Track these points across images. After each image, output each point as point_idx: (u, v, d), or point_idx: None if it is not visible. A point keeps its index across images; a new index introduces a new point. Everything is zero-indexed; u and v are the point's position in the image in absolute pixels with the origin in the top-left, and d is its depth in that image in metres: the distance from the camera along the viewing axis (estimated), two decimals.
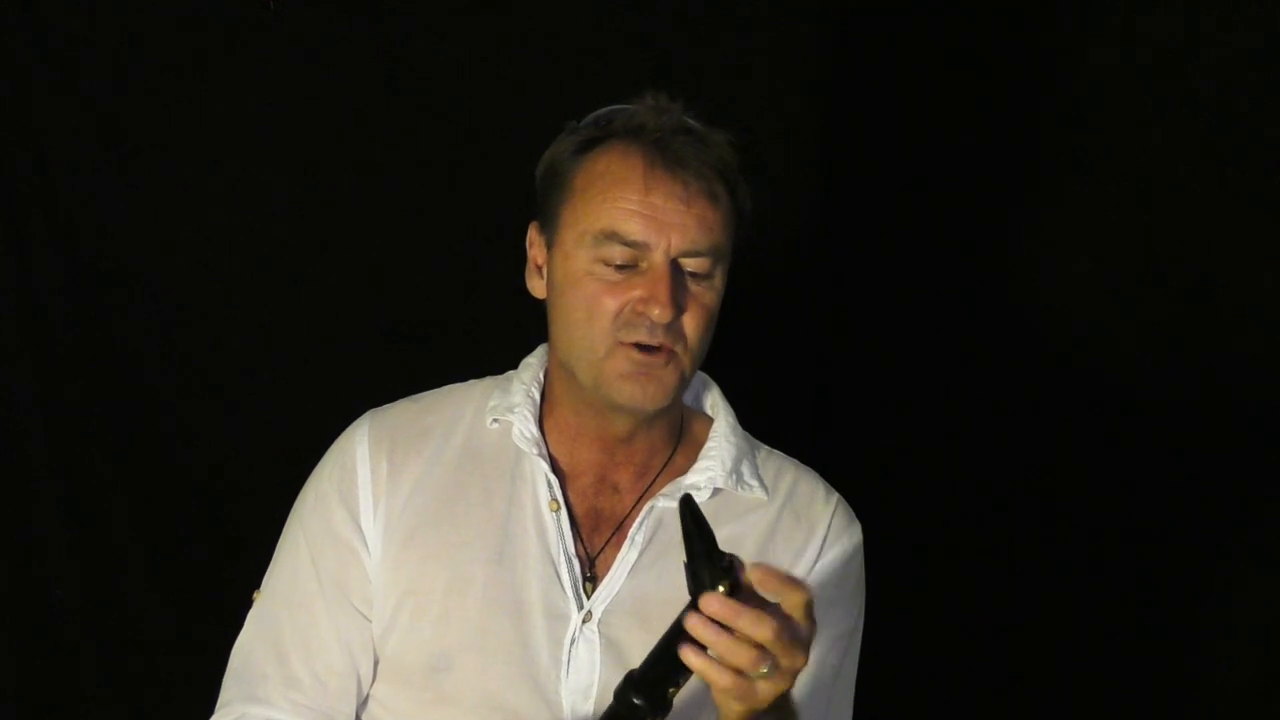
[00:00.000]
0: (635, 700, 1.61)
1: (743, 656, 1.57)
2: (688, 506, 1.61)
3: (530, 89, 2.52)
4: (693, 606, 1.59)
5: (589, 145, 1.89)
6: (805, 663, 1.61)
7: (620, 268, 1.85)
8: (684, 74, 2.51)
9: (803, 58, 2.59)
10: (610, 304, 1.85)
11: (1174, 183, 2.59)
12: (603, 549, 1.92)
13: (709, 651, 1.57)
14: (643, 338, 1.84)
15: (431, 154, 2.56)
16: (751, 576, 1.58)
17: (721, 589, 1.57)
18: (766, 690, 1.60)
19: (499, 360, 2.07)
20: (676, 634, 1.60)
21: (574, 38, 2.56)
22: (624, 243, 1.84)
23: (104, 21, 2.51)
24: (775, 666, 1.58)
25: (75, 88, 2.52)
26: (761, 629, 1.57)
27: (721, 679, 1.57)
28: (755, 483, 1.97)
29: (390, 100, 2.55)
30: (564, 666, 1.87)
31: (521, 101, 2.52)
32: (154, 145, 2.54)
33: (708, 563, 1.59)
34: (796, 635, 1.60)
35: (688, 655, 1.58)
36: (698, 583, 1.59)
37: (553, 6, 2.55)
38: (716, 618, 1.57)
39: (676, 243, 1.84)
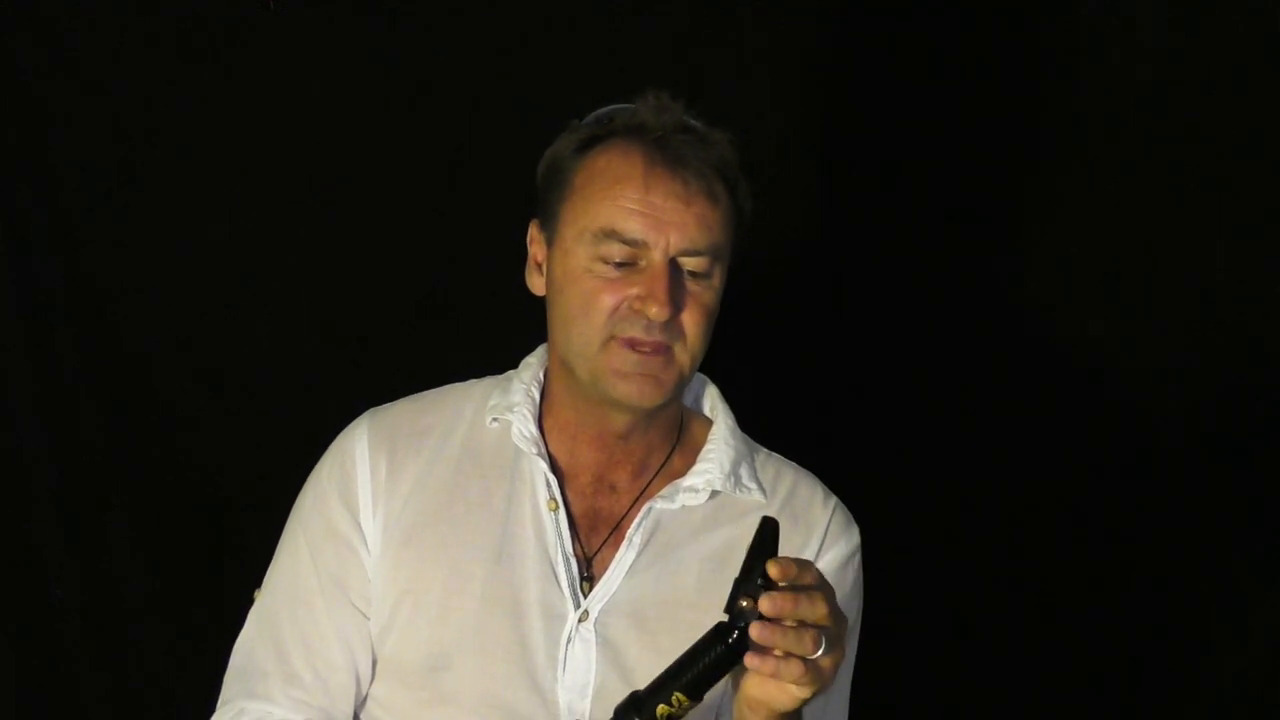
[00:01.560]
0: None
1: (807, 642, 1.58)
2: (769, 529, 1.63)
3: (531, 89, 2.52)
4: (724, 625, 1.61)
5: (590, 143, 1.90)
6: (848, 622, 1.64)
7: (619, 265, 1.85)
8: (684, 74, 2.51)
9: (803, 58, 2.59)
10: (607, 300, 1.85)
11: (1175, 183, 2.59)
12: (600, 549, 1.92)
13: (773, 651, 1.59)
14: (638, 334, 1.85)
15: (432, 154, 2.56)
16: (770, 572, 1.59)
17: (745, 604, 1.59)
18: (829, 665, 1.61)
19: (499, 360, 2.07)
20: (693, 658, 1.62)
21: (575, 37, 2.55)
22: (623, 240, 1.84)
23: (105, 22, 2.51)
24: (831, 638, 1.60)
25: (76, 89, 2.52)
26: (817, 608, 1.59)
27: (794, 670, 1.58)
28: (754, 485, 1.97)
29: (391, 100, 2.55)
30: (560, 665, 1.87)
31: (522, 101, 2.52)
32: (155, 146, 2.54)
33: (746, 582, 1.61)
34: (836, 601, 1.62)
35: (754, 661, 1.59)
36: (733, 600, 1.61)
37: (554, 6, 2.55)
38: (777, 615, 1.57)
39: (675, 241, 1.84)
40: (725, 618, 1.62)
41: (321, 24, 2.53)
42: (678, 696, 1.61)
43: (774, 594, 1.58)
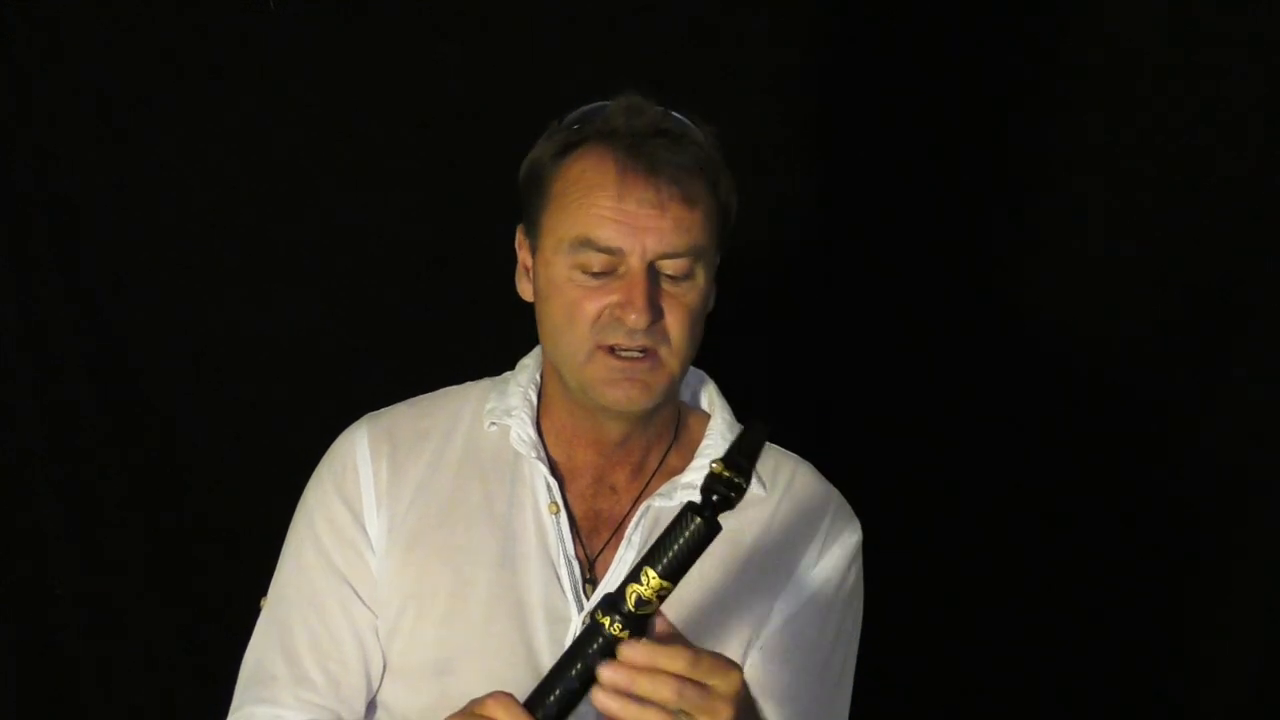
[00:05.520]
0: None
1: (664, 690, 1.55)
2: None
3: (528, 89, 2.52)
4: (695, 503, 1.58)
5: (566, 150, 1.88)
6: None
7: (597, 274, 1.83)
8: (684, 73, 2.51)
9: (803, 56, 2.60)
10: (589, 309, 1.84)
11: (1175, 184, 2.59)
12: (602, 550, 1.93)
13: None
14: (621, 340, 1.83)
15: (429, 155, 2.56)
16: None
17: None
18: None
19: (497, 361, 2.07)
20: (666, 540, 1.58)
21: (573, 37, 2.56)
22: (598, 249, 1.83)
23: (104, 22, 2.52)
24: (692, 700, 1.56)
25: (75, 89, 2.53)
26: (677, 661, 1.55)
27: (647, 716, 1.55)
28: (752, 478, 1.97)
29: (390, 101, 2.56)
30: None
31: (519, 101, 2.51)
32: (154, 147, 2.55)
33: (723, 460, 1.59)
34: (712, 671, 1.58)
35: (600, 699, 1.55)
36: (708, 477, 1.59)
37: (552, 6, 2.55)
38: (638, 663, 1.55)
39: (652, 246, 1.82)
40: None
41: (321, 23, 2.53)
42: (646, 572, 1.57)
43: (631, 645, 1.55)
